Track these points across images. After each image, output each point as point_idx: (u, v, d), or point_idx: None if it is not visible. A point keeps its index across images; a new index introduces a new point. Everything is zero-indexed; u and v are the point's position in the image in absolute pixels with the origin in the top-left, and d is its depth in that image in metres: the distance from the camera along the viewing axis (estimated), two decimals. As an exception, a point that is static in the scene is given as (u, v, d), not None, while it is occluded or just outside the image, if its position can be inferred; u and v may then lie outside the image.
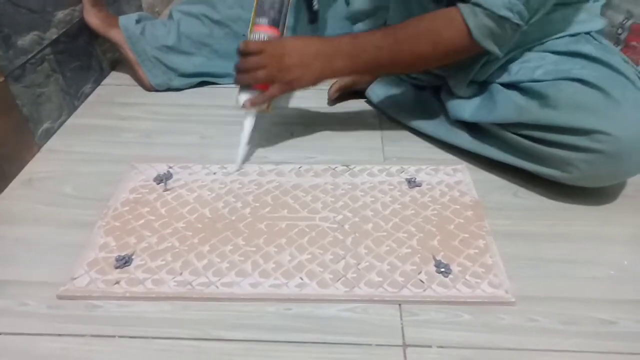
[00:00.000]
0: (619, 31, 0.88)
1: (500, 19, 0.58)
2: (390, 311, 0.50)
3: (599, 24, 0.69)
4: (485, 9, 0.58)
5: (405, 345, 0.47)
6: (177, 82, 0.90)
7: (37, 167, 0.71)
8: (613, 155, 0.57)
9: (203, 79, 0.92)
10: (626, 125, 0.56)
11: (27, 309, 0.50)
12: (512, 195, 0.66)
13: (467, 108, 0.70)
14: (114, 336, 0.48)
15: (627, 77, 0.60)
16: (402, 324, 0.49)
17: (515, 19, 0.58)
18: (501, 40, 0.61)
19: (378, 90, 0.83)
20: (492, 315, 0.50)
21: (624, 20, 0.87)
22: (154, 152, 0.74)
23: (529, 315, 0.50)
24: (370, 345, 0.47)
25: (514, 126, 0.64)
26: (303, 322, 0.49)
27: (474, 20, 0.59)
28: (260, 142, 0.76)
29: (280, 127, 0.80)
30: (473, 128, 0.71)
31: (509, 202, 0.65)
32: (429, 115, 0.77)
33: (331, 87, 0.85)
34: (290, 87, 0.67)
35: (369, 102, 0.85)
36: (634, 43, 0.86)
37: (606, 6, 0.79)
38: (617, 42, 0.88)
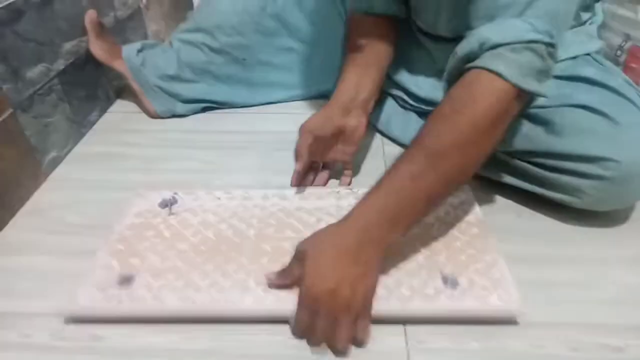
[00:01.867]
0: (618, 53, 0.89)
1: (530, 46, 0.49)
2: (396, 337, 0.50)
3: (597, 44, 0.70)
4: (508, 44, 0.49)
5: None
6: (181, 108, 0.91)
7: (43, 196, 0.72)
8: (621, 181, 0.57)
9: (206, 105, 0.93)
10: (632, 150, 0.56)
11: (30, 340, 0.50)
12: (515, 216, 0.66)
13: None
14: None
15: (629, 100, 0.60)
16: (407, 349, 0.48)
17: (547, 38, 0.50)
18: (543, 73, 0.51)
19: (378, 114, 0.84)
20: (498, 342, 0.49)
21: (622, 43, 0.88)
22: (158, 179, 0.75)
23: (536, 341, 0.49)
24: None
25: (521, 153, 0.64)
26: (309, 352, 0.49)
27: (503, 63, 0.49)
28: (264, 167, 0.77)
29: (282, 153, 0.81)
30: None
31: (513, 223, 0.65)
32: None
33: None
34: (368, 312, 0.49)
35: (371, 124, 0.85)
36: (633, 65, 0.87)
37: (604, 28, 0.80)
38: (616, 64, 0.89)
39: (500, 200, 0.69)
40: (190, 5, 1.36)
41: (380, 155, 0.80)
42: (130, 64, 0.87)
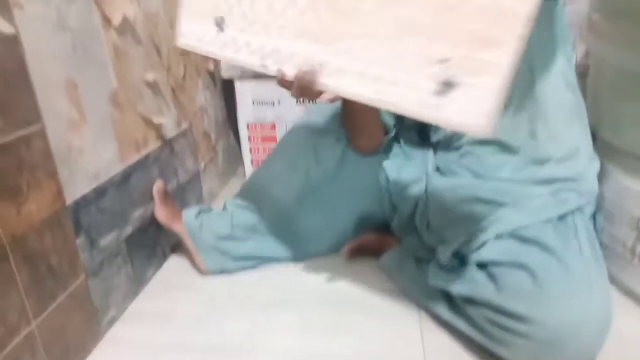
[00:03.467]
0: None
1: None
2: None
3: (582, 200, 0.78)
4: None
5: None
6: (230, 265, 0.98)
7: (99, 356, 0.76)
8: (548, 344, 0.62)
9: (254, 262, 1.00)
10: (556, 315, 0.62)
11: None
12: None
13: (440, 275, 0.78)
14: None
15: (569, 270, 0.66)
16: None
17: None
18: None
19: (387, 259, 0.95)
20: None
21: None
22: (204, 340, 0.78)
23: None
24: None
25: (472, 302, 0.72)
26: None
27: None
28: (307, 325, 0.80)
29: (324, 311, 0.84)
30: (451, 300, 0.78)
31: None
32: (420, 282, 0.84)
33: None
34: None
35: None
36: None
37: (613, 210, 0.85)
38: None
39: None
40: (239, 161, 1.52)
41: (417, 322, 0.82)
42: (189, 226, 0.97)
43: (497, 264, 0.71)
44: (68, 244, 0.72)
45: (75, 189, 0.74)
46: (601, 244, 0.84)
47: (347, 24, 0.55)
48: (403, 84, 0.51)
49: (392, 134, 0.96)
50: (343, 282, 0.93)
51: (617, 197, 0.83)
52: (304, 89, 0.60)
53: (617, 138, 0.83)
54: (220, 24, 0.67)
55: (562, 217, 0.76)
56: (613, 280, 0.85)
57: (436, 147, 0.95)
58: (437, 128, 0.91)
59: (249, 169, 1.38)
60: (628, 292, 0.83)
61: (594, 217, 0.82)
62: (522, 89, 0.79)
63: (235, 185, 1.47)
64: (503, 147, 0.83)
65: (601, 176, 0.84)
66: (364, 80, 0.54)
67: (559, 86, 0.80)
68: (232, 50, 0.66)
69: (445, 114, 0.49)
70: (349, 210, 1.01)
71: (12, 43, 0.61)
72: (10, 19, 0.61)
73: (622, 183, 0.82)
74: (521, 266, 0.68)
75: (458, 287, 0.74)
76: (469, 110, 0.47)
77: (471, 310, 0.72)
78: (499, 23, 0.45)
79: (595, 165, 0.83)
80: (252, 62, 0.64)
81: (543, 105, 0.79)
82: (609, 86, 0.85)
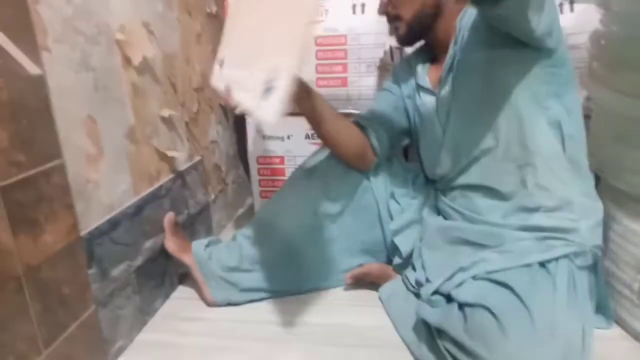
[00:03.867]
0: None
1: None
2: None
3: (568, 249, 0.79)
4: None
5: None
6: (237, 297, 0.99)
7: (104, 387, 0.77)
8: None
9: (260, 294, 1.01)
10: (512, 358, 0.65)
11: None
12: None
13: (424, 307, 0.81)
14: None
15: (534, 316, 0.68)
16: None
17: None
18: None
19: (386, 290, 0.96)
20: None
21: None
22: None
23: None
24: None
25: (443, 335, 0.74)
26: None
27: None
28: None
29: (328, 348, 0.84)
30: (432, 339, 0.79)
31: None
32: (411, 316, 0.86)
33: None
34: None
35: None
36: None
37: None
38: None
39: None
40: (248, 193, 1.55)
41: None
42: (198, 257, 0.98)
43: (469, 304, 0.74)
44: (80, 274, 0.74)
45: (90, 220, 0.76)
46: (606, 287, 0.85)
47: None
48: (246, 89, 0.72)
49: (378, 158, 1.01)
50: (346, 317, 0.93)
51: (622, 239, 0.84)
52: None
53: (620, 182, 0.85)
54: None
55: (543, 264, 0.77)
56: (622, 324, 0.85)
57: (437, 187, 0.99)
58: (439, 167, 0.95)
59: (257, 201, 1.40)
60: (637, 337, 0.82)
61: (594, 265, 0.82)
62: (508, 136, 0.83)
63: (243, 216, 1.49)
64: (492, 192, 0.87)
65: (606, 219, 0.85)
66: (241, 89, 0.74)
67: (550, 138, 0.82)
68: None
69: (261, 113, 0.66)
70: (353, 244, 1.03)
71: (38, 83, 0.65)
72: (37, 60, 0.65)
73: (626, 226, 0.83)
74: (487, 308, 0.71)
75: (436, 319, 0.76)
76: (272, 109, 0.64)
77: (441, 343, 0.75)
78: (289, 40, 0.65)
79: (595, 216, 0.84)
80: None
81: (533, 156, 0.82)
82: (610, 131, 0.87)
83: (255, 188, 1.38)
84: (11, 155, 0.60)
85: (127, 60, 0.85)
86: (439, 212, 0.97)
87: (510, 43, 0.78)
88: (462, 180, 0.91)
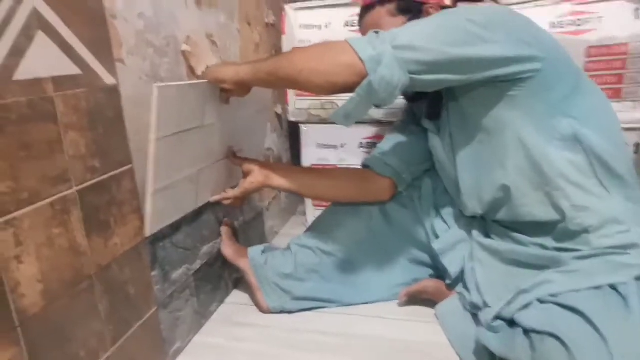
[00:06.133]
0: None
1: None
2: None
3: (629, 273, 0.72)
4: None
5: None
6: (291, 305, 1.00)
7: (163, 387, 0.79)
8: None
9: (313, 303, 1.01)
10: None
11: None
12: None
13: (485, 332, 0.76)
14: None
15: (609, 343, 0.62)
16: None
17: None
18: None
19: (443, 308, 0.93)
20: None
21: None
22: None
23: None
24: None
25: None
26: None
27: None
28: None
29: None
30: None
31: None
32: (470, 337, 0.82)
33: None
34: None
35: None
36: None
37: None
38: None
39: None
40: (300, 200, 1.56)
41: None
42: (254, 262, 1.00)
43: (535, 331, 0.68)
44: (144, 276, 0.77)
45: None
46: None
47: None
48: None
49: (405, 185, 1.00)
50: (398, 331, 0.92)
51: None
52: None
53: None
54: None
55: (614, 286, 0.71)
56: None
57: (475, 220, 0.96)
58: (466, 210, 0.93)
59: (309, 208, 1.41)
60: None
61: None
62: (520, 168, 0.80)
63: (295, 223, 1.50)
64: (533, 224, 0.82)
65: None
66: None
67: (567, 155, 0.77)
68: None
69: None
70: (406, 258, 1.02)
71: (112, 93, 0.69)
72: (112, 71, 0.68)
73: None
74: (557, 337, 0.65)
75: (499, 347, 0.72)
76: None
77: None
78: None
79: None
80: None
81: (555, 179, 0.78)
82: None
83: (308, 196, 1.39)
84: (88, 161, 0.64)
85: (191, 70, 0.88)
86: (487, 233, 0.93)
87: (482, 83, 0.77)
88: (499, 217, 0.88)
